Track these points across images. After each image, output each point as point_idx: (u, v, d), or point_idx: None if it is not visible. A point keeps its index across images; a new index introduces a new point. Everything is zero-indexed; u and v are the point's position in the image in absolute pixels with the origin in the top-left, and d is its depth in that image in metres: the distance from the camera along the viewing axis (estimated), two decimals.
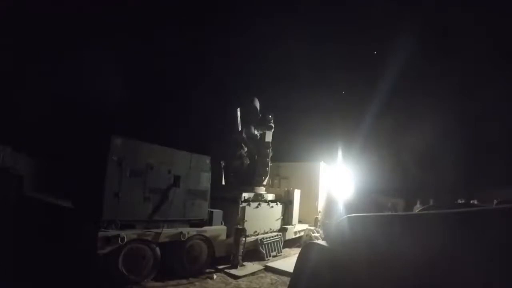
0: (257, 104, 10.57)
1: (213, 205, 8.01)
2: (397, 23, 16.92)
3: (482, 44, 16.73)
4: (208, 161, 7.86)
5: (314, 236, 11.02)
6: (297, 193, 10.97)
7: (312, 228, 11.61)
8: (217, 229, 7.75)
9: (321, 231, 11.34)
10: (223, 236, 7.82)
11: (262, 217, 9.25)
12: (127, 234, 5.90)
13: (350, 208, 12.81)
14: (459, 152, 17.39)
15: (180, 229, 6.87)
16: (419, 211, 5.00)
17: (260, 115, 10.60)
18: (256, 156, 10.28)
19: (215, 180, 8.37)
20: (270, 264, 8.10)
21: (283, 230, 10.10)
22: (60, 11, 7.90)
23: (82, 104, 7.17)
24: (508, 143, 17.14)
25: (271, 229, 9.63)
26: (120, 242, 5.73)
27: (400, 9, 17.45)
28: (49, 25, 7.52)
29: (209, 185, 7.78)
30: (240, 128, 9.84)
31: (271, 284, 6.87)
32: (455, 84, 18.19)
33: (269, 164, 10.50)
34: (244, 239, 7.80)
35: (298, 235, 10.94)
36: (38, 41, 7.64)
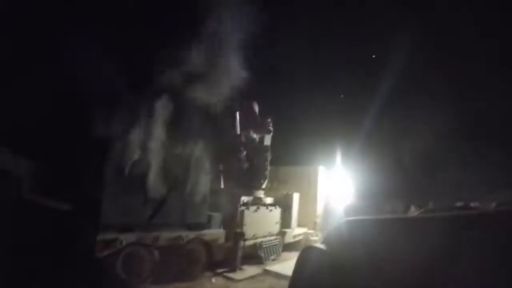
0: (256, 107, 10.58)
1: (212, 208, 8.00)
2: (397, 24, 17.01)
3: (482, 45, 16.81)
4: (207, 165, 7.86)
5: (313, 239, 11.00)
6: (296, 197, 10.96)
7: (311, 231, 11.59)
8: (216, 233, 7.74)
9: (320, 235, 11.33)
10: (222, 240, 7.81)
11: (261, 221, 9.23)
12: (126, 238, 5.89)
13: (349, 211, 12.81)
14: (459, 155, 17.42)
15: (178, 233, 6.85)
16: (418, 214, 5.01)
17: (259, 118, 10.61)
18: (255, 160, 10.28)
19: (214, 184, 8.37)
20: (269, 267, 8.08)
21: (282, 233, 10.08)
22: (62, 10, 7.94)
23: (83, 105, 7.17)
24: (508, 145, 17.17)
25: (270, 232, 9.61)
26: (119, 246, 5.72)
27: (400, 9, 17.54)
28: (49, 24, 7.54)
29: (208, 189, 7.78)
30: (239, 132, 9.85)
31: (270, 287, 6.85)
32: (456, 86, 18.26)
33: (268, 168, 10.50)
34: (243, 242, 7.78)
35: (297, 238, 10.92)
36: (37, 41, 7.66)
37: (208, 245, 7.44)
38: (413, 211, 13.19)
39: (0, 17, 6.99)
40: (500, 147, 17.60)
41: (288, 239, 10.32)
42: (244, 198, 8.89)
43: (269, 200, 10.12)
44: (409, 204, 15.19)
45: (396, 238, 1.66)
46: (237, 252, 7.65)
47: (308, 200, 12.20)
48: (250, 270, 7.79)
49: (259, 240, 8.95)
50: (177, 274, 6.72)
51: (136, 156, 6.41)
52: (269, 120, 10.67)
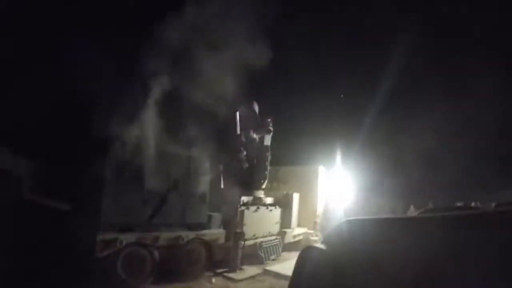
0: (256, 107, 10.58)
1: (212, 208, 8.00)
2: (396, 24, 17.00)
3: (483, 45, 16.81)
4: (207, 165, 7.86)
5: (313, 239, 10.99)
6: (296, 197, 10.96)
7: (311, 231, 11.59)
8: (216, 233, 7.73)
9: (320, 235, 11.33)
10: (222, 240, 7.80)
11: (261, 221, 9.23)
12: (126, 238, 5.89)
13: (349, 211, 12.81)
14: (459, 155, 17.42)
15: (178, 233, 6.85)
16: (418, 214, 5.00)
17: (259, 118, 10.61)
18: (255, 160, 10.28)
19: (214, 184, 8.38)
20: (269, 267, 8.08)
21: (282, 233, 10.08)
22: (65, 10, 7.95)
23: (83, 106, 7.18)
24: (507, 145, 17.19)
25: (270, 232, 9.61)
26: (119, 246, 5.72)
27: (399, 10, 17.54)
28: (44, 23, 7.55)
29: (207, 189, 7.78)
30: (239, 132, 9.85)
31: (270, 287, 6.85)
32: (456, 87, 18.25)
33: (268, 168, 10.50)
34: (243, 242, 7.78)
35: (297, 238, 10.92)
36: (36, 40, 7.66)
37: (208, 245, 7.44)
38: (413, 211, 13.21)
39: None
40: (500, 147, 17.60)
41: (288, 239, 10.32)
42: (244, 198, 8.89)
43: (269, 200, 10.13)
44: (408, 204, 15.21)
45: (396, 238, 1.66)
46: (237, 252, 7.64)
47: (308, 200, 12.19)
48: (250, 270, 7.78)
49: (259, 240, 8.94)
50: (177, 274, 6.72)
51: (135, 156, 6.41)
52: (269, 120, 10.66)
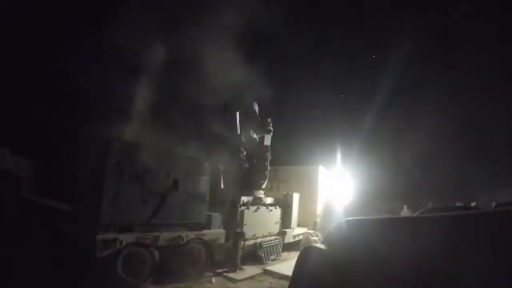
0: (256, 107, 10.58)
1: (212, 208, 8.00)
2: (396, 24, 17.02)
3: (482, 44, 16.82)
4: (206, 165, 7.86)
5: (313, 239, 10.99)
6: (296, 197, 10.96)
7: (311, 231, 11.59)
8: (216, 233, 7.73)
9: (320, 235, 11.33)
10: (222, 240, 7.81)
11: (261, 221, 9.23)
12: (126, 238, 5.89)
13: (348, 211, 12.81)
14: (458, 155, 17.43)
15: (178, 233, 6.85)
16: (419, 213, 5.00)
17: (259, 118, 10.61)
18: (255, 160, 10.27)
19: (214, 184, 8.38)
20: (269, 267, 8.08)
21: (282, 233, 10.08)
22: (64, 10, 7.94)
23: (83, 106, 7.19)
24: (507, 145, 17.21)
25: (270, 232, 9.61)
26: (118, 246, 5.72)
27: (399, 10, 17.57)
28: (47, 22, 7.54)
29: (207, 189, 7.78)
30: (239, 132, 9.85)
31: (270, 287, 6.85)
32: (455, 86, 18.28)
33: (268, 168, 10.50)
34: (243, 242, 7.78)
35: (297, 238, 10.92)
36: (34, 39, 7.66)
37: (208, 245, 7.44)
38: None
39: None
40: (500, 148, 17.61)
41: (288, 239, 10.32)
42: (244, 198, 8.89)
43: (269, 200, 10.12)
44: (409, 204, 15.24)
45: (396, 238, 1.66)
46: (237, 252, 7.64)
47: (308, 200, 12.19)
48: (250, 270, 7.78)
49: (259, 240, 8.95)
50: (177, 274, 6.72)
51: (135, 156, 6.40)
52: (269, 120, 10.66)
